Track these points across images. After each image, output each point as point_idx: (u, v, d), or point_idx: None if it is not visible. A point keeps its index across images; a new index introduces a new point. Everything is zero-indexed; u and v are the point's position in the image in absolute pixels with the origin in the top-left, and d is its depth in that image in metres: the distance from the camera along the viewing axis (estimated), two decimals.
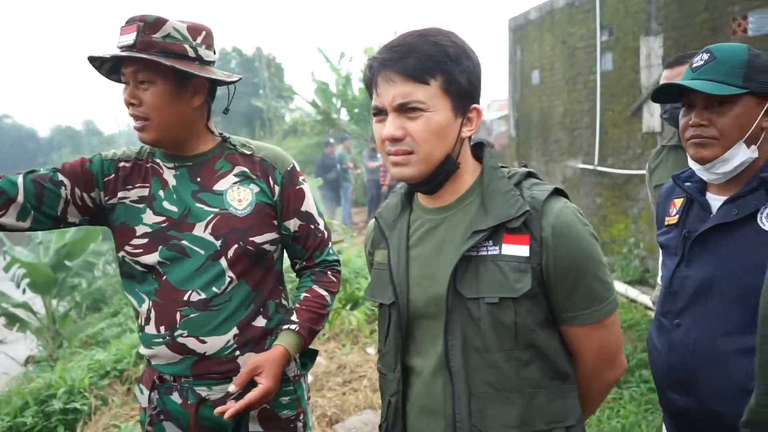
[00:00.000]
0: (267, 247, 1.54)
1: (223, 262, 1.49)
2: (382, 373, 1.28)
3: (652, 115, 5.98)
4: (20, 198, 1.44)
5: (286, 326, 1.53)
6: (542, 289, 1.12)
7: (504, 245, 1.11)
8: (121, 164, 1.56)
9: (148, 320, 1.53)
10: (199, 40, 1.48)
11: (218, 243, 1.49)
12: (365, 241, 1.37)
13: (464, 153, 1.18)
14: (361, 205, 13.39)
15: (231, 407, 1.38)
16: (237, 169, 1.55)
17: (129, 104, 1.46)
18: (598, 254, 1.14)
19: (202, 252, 1.49)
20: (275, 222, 1.57)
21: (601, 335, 1.17)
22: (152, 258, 1.49)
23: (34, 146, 42.98)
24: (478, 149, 1.22)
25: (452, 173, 1.16)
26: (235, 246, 1.49)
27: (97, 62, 1.50)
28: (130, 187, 1.54)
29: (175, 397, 1.54)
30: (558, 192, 1.15)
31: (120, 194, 1.54)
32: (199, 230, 1.49)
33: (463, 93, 1.12)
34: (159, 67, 1.42)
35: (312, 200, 1.62)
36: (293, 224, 1.58)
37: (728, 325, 1.37)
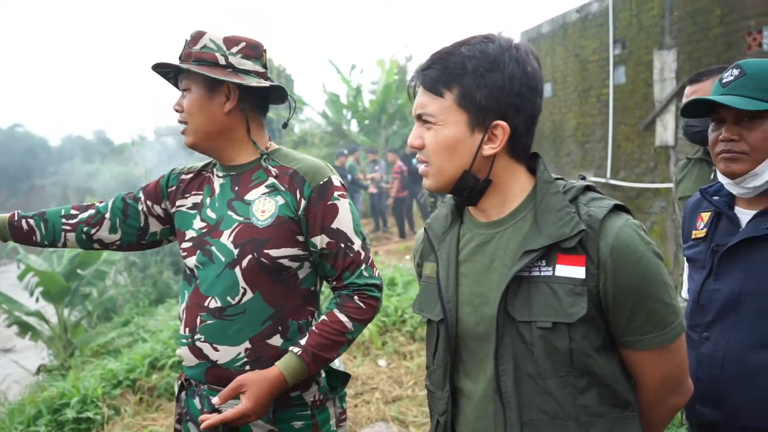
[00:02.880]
0: (285, 262, 1.50)
1: (238, 271, 1.48)
2: (430, 390, 1.22)
3: (666, 129, 5.96)
4: (107, 214, 1.70)
5: (291, 348, 1.47)
6: (600, 312, 1.04)
7: (558, 266, 1.03)
8: (184, 176, 1.68)
9: (181, 320, 1.59)
10: (234, 50, 1.53)
11: (236, 252, 1.49)
12: (414, 252, 1.33)
13: (502, 168, 1.11)
14: (369, 217, 13.38)
15: (209, 418, 1.39)
16: (269, 180, 1.54)
17: (176, 111, 1.56)
18: (662, 275, 1.04)
19: (223, 259, 1.50)
20: (299, 237, 1.51)
21: (665, 360, 1.08)
22: (192, 261, 1.56)
23: (45, 155, 43.25)
24: (534, 161, 1.15)
25: (480, 189, 1.11)
26: (250, 256, 1.47)
27: (172, 81, 1.63)
28: (187, 195, 1.65)
29: (196, 402, 1.57)
30: (619, 208, 1.06)
31: (178, 203, 1.66)
32: (224, 237, 1.51)
33: (483, 108, 1.05)
34: (192, 74, 1.51)
35: (349, 218, 1.53)
36: (320, 241, 1.51)
37: (758, 338, 1.36)
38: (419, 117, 1.10)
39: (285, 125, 1.66)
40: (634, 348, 1.06)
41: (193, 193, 1.64)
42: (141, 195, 1.70)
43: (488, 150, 1.08)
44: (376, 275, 1.57)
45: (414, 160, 11.56)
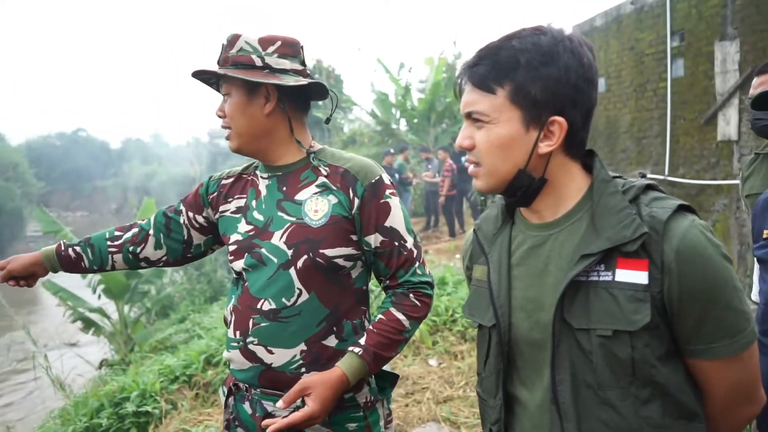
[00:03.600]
0: (340, 261, 1.49)
1: (293, 272, 1.47)
2: (482, 398, 1.18)
3: (728, 123, 5.71)
4: (151, 231, 1.71)
5: (350, 348, 1.46)
6: (663, 319, 0.97)
7: (618, 271, 0.98)
8: (224, 181, 1.67)
9: (228, 324, 1.57)
10: (270, 50, 1.51)
11: (290, 252, 1.47)
12: (462, 254, 1.29)
13: (558, 166, 1.06)
14: (419, 216, 13.36)
15: (274, 422, 1.37)
16: (319, 180, 1.53)
17: (219, 116, 1.56)
18: (731, 280, 0.97)
19: (275, 260, 1.48)
20: (353, 236, 1.50)
21: (735, 370, 1.01)
22: (239, 265, 1.54)
23: (106, 158, 44.98)
24: (590, 158, 1.09)
25: (536, 189, 1.06)
26: (305, 257, 1.46)
27: (214, 86, 1.61)
28: (230, 199, 1.63)
29: (246, 407, 1.56)
30: (684, 208, 0.99)
31: (221, 208, 1.64)
32: (276, 239, 1.50)
33: (538, 103, 1.00)
34: (231, 79, 1.50)
35: (401, 216, 1.53)
36: (374, 240, 1.50)
37: None
38: (469, 115, 1.05)
39: (328, 121, 1.67)
40: (702, 357, 0.99)
41: (236, 196, 1.62)
42: (182, 207, 1.70)
43: (545, 147, 1.02)
44: (428, 273, 1.56)
45: (464, 158, 11.45)
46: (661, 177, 6.69)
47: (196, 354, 4.33)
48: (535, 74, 0.99)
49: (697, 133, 6.19)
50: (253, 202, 1.58)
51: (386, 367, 1.61)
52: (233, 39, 1.51)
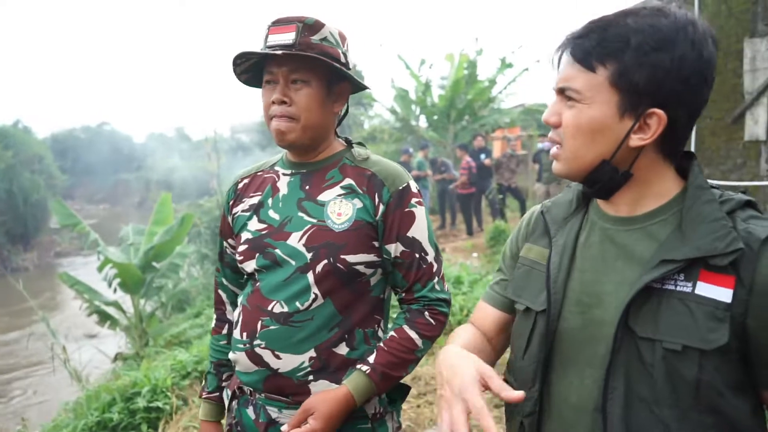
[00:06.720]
0: (361, 268, 1.42)
1: (310, 276, 1.40)
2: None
3: (756, 123, 5.55)
4: (224, 296, 1.67)
5: (359, 365, 1.40)
6: (740, 344, 0.89)
7: (699, 283, 0.90)
8: (240, 184, 1.60)
9: (236, 324, 1.52)
10: (345, 46, 1.47)
11: (309, 255, 1.40)
12: (517, 228, 1.24)
13: (647, 164, 0.98)
14: (435, 214, 13.28)
15: None
16: (345, 181, 1.46)
17: (280, 102, 1.40)
18: None
19: (293, 263, 1.42)
20: (375, 243, 1.44)
21: None
22: (251, 266, 1.48)
23: (130, 151, 45.50)
24: (685, 162, 1.01)
25: (618, 183, 0.99)
26: (325, 261, 1.39)
27: (241, 58, 1.43)
28: (245, 199, 1.56)
29: (250, 412, 1.51)
30: None
31: (234, 210, 1.58)
32: (293, 240, 1.43)
33: (640, 92, 0.92)
34: (318, 67, 1.40)
35: (425, 227, 1.47)
36: (394, 249, 1.43)
37: None
38: (561, 91, 0.98)
39: (339, 123, 1.57)
40: None
41: (251, 195, 1.55)
42: (225, 244, 1.65)
43: (636, 140, 0.95)
44: (446, 290, 1.49)
45: (482, 155, 11.36)
46: None
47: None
48: (643, 59, 0.91)
49: (724, 133, 6.03)
50: (269, 200, 1.51)
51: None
52: (316, 25, 1.40)
